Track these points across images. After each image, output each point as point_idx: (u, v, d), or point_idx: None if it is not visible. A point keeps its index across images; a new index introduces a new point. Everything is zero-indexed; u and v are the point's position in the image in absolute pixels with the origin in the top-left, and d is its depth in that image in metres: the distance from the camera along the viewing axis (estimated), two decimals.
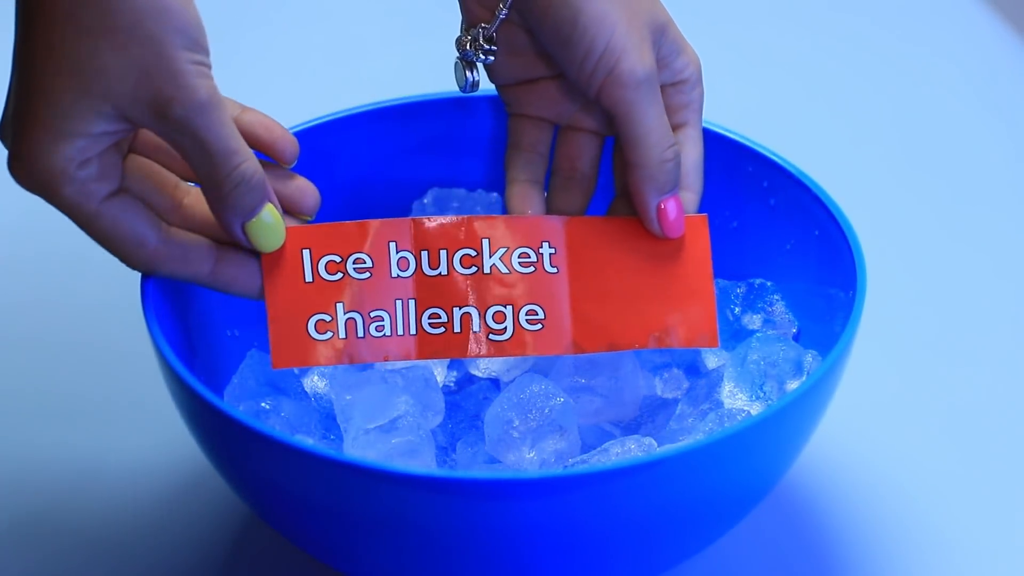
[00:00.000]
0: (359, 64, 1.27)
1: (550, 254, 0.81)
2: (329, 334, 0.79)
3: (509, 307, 0.80)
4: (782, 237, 0.88)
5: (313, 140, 0.88)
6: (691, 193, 0.82)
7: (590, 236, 0.81)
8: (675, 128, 0.81)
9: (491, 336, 0.80)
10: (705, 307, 0.81)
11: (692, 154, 0.82)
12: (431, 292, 0.80)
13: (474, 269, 0.80)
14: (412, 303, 0.80)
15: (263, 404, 0.81)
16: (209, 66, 0.72)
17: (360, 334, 0.79)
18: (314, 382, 0.85)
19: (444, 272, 0.80)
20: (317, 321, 0.79)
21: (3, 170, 0.74)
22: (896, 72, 1.26)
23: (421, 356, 0.80)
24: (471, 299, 0.80)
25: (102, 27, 0.70)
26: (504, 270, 0.80)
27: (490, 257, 0.81)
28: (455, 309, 0.80)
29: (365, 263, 0.80)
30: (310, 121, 0.89)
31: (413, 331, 0.80)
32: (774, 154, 0.87)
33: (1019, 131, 1.20)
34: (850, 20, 1.33)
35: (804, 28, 1.32)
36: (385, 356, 0.80)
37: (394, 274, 0.80)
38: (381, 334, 0.79)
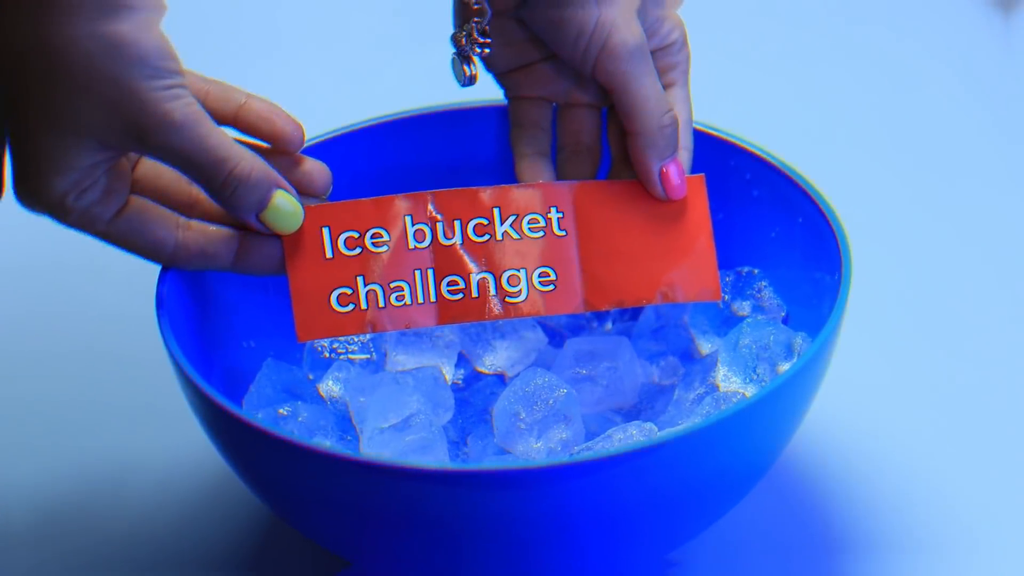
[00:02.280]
0: (352, 81, 1.26)
1: (558, 218, 0.83)
2: (352, 306, 0.80)
3: (523, 270, 0.82)
4: (767, 226, 0.88)
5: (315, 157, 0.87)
6: (685, 151, 0.83)
7: (596, 199, 0.83)
8: (665, 88, 0.83)
9: (507, 299, 0.82)
10: (707, 263, 0.83)
11: (683, 113, 0.84)
12: (448, 260, 0.81)
13: (487, 237, 0.82)
14: (431, 272, 0.81)
15: (281, 410, 0.82)
16: (181, 84, 0.72)
17: (381, 304, 0.80)
18: (329, 387, 0.86)
19: (459, 241, 0.82)
20: (339, 294, 0.80)
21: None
22: (873, 57, 1.26)
23: (442, 322, 0.81)
24: (487, 265, 0.82)
25: (58, 72, 0.70)
26: (516, 236, 0.82)
27: (502, 224, 0.82)
28: (472, 275, 0.81)
29: (383, 237, 0.81)
30: (311, 140, 0.88)
31: (433, 299, 0.81)
32: (755, 146, 0.88)
33: (998, 112, 1.20)
34: (830, 13, 1.32)
35: (784, 22, 1.32)
36: (407, 324, 0.81)
37: (411, 246, 0.81)
38: (402, 303, 0.81)
